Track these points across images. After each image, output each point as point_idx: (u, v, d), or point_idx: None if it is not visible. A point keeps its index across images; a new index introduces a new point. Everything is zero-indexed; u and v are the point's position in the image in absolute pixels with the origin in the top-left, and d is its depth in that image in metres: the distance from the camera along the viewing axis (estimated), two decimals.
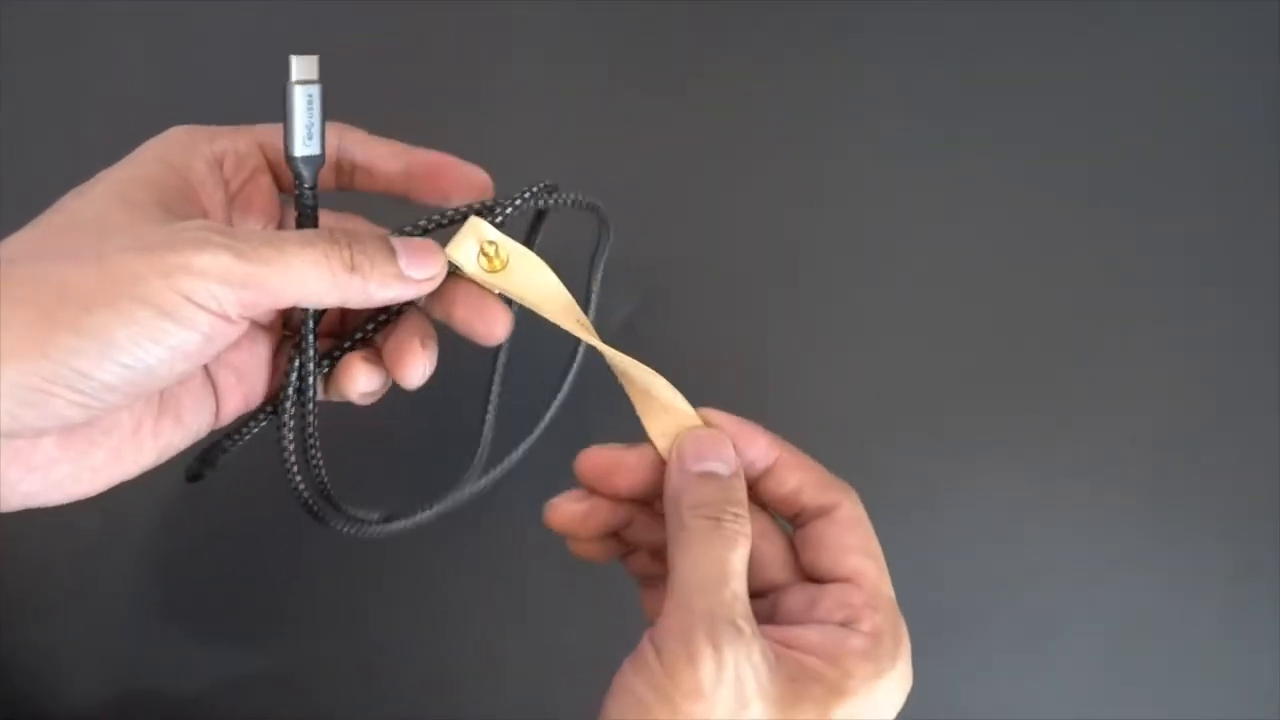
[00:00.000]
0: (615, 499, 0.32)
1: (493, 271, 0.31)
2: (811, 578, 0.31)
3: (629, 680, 0.27)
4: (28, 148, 0.46)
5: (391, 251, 0.29)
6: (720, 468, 0.30)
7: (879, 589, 0.30)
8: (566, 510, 0.32)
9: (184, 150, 0.30)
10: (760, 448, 0.31)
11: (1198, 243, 0.46)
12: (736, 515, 0.29)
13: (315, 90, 0.29)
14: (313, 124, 0.29)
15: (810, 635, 0.28)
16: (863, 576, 0.30)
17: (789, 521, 0.32)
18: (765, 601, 0.31)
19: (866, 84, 0.48)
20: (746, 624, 0.27)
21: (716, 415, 0.31)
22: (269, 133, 0.33)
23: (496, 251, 0.31)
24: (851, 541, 0.30)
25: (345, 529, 0.33)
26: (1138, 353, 0.45)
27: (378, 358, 0.32)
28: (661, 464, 0.31)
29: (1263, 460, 0.44)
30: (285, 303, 0.27)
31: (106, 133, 0.44)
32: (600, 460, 0.32)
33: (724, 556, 0.28)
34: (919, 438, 0.44)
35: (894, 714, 0.28)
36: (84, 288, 0.24)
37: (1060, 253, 0.46)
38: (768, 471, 0.31)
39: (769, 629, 0.28)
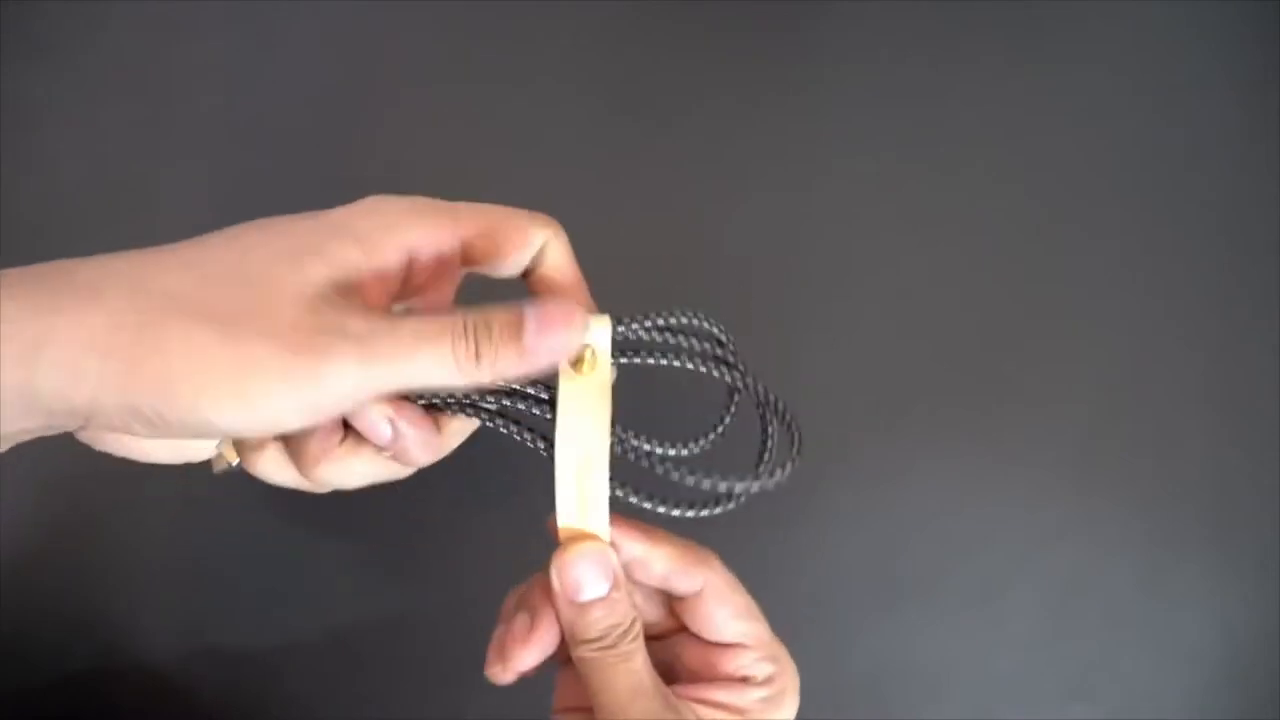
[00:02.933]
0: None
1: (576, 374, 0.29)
2: (702, 638, 0.32)
3: None
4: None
5: (517, 333, 0.27)
6: (599, 589, 0.29)
7: (763, 641, 0.32)
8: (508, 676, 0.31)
9: (385, 233, 0.28)
10: (629, 551, 0.31)
11: (1130, 253, 0.49)
12: (626, 632, 0.29)
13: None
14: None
15: (717, 694, 0.31)
16: (748, 636, 0.31)
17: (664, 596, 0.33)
18: (666, 649, 0.33)
19: (833, 97, 0.50)
20: (673, 709, 0.29)
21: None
22: (476, 224, 0.30)
23: (592, 357, 0.29)
24: (727, 611, 0.31)
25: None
26: (1070, 355, 0.48)
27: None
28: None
29: (1175, 444, 0.47)
30: (414, 389, 0.27)
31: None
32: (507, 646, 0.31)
33: (629, 669, 0.29)
34: (884, 426, 0.47)
35: None
36: (249, 361, 0.25)
37: (1003, 267, 0.49)
38: (634, 562, 0.31)
39: (681, 689, 0.31)
